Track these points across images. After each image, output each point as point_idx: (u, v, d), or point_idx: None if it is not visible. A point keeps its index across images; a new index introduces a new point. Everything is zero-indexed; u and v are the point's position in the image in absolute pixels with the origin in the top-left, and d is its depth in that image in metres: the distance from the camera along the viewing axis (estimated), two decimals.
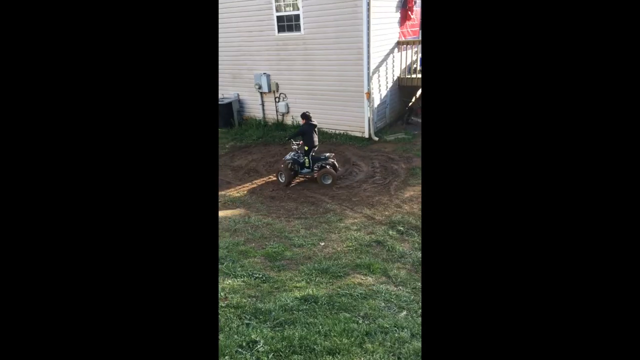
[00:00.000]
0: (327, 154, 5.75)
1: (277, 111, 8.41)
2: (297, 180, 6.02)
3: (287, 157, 5.83)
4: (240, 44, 8.28)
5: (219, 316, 2.42)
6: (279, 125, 8.36)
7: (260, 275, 3.31)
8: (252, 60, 8.29)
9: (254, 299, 2.81)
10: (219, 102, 8.55)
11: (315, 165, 5.67)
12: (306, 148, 5.60)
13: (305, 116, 5.65)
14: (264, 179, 6.33)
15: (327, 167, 5.65)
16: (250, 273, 3.33)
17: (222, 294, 2.81)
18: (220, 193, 5.93)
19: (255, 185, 6.13)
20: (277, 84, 8.17)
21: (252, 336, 2.18)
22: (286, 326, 2.40)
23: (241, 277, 3.22)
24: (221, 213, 5.07)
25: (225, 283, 3.05)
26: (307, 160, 5.63)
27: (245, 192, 5.90)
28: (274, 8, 7.49)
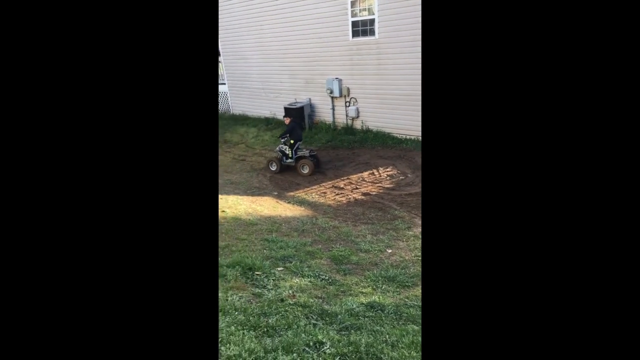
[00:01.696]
0: (308, 149, 6.84)
1: (347, 115, 8.45)
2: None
3: (278, 149, 6.96)
4: (314, 50, 8.50)
5: (287, 313, 2.48)
6: (348, 130, 8.39)
7: (327, 277, 3.33)
8: (324, 65, 8.45)
9: (320, 300, 2.83)
10: (292, 107, 8.85)
11: (296, 157, 6.69)
12: (292, 142, 6.64)
13: (289, 115, 7.10)
14: (332, 182, 6.39)
15: (306, 158, 6.59)
16: (317, 274, 3.36)
17: (290, 291, 2.88)
18: (289, 194, 6.12)
19: (322, 188, 6.21)
20: (348, 89, 8.21)
21: (319, 337, 2.20)
22: (352, 331, 2.38)
23: (308, 277, 3.27)
24: (289, 213, 5.22)
25: (293, 281, 3.13)
26: (290, 152, 6.71)
27: (313, 194, 6.01)
28: (349, 13, 7.56)
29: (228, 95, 11.33)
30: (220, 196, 5.56)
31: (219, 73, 11.62)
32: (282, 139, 6.80)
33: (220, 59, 11.24)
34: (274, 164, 6.94)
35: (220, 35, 10.71)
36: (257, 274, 3.12)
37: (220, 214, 4.73)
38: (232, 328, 2.14)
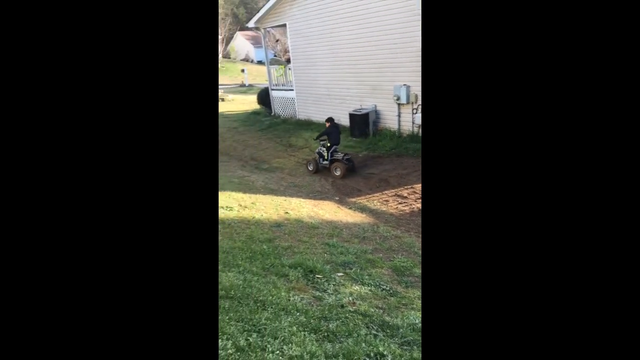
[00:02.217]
0: (344, 153, 7.10)
1: (413, 123, 8.22)
2: None
3: (317, 151, 7.39)
4: (384, 56, 8.43)
5: (347, 320, 2.45)
6: (414, 137, 8.15)
7: (388, 288, 3.23)
8: (393, 72, 8.32)
9: (381, 311, 2.76)
10: (357, 113, 8.85)
11: (331, 159, 7.06)
12: (328, 145, 7.03)
13: (330, 119, 7.27)
14: (394, 190, 6.23)
15: (339, 161, 6.94)
16: (378, 283, 3.28)
17: (350, 298, 2.84)
18: (351, 200, 6.10)
19: (385, 196, 6.09)
20: (416, 95, 7.99)
21: (380, 348, 2.13)
22: (414, 347, 2.27)
23: (368, 286, 3.21)
24: (350, 219, 5.19)
25: (353, 288, 3.09)
26: (327, 154, 7.08)
27: (375, 201, 5.92)
28: (420, 20, 7.37)
29: (295, 101, 11.68)
30: (283, 198, 5.72)
31: (288, 80, 12.04)
32: (320, 141, 7.20)
33: (290, 65, 11.64)
34: (311, 164, 7.47)
35: (293, 42, 11.11)
36: (317, 277, 3.13)
37: (283, 215, 4.86)
38: (294, 328, 2.16)
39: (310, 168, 7.46)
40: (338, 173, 6.95)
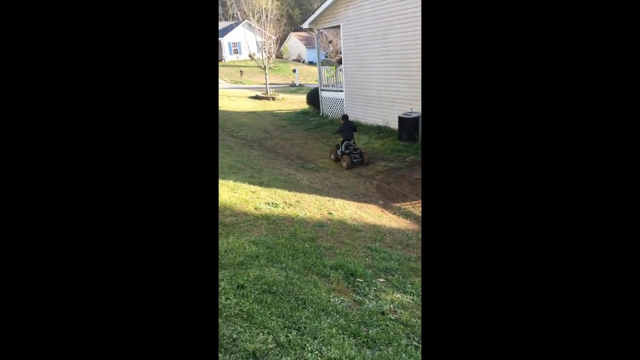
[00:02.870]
0: (357, 148, 8.04)
1: None
2: None
3: (336, 144, 8.38)
4: None
5: (388, 328, 2.39)
6: None
7: None
8: None
9: None
10: (407, 116, 8.65)
11: (343, 152, 7.95)
12: (341, 139, 7.98)
13: (345, 117, 8.35)
14: None
15: (346, 155, 7.82)
16: (420, 293, 3.18)
17: (391, 305, 2.78)
18: (395, 205, 5.97)
19: None
20: None
21: None
22: None
23: (410, 295, 3.12)
24: (394, 224, 5.08)
25: (394, 296, 3.02)
26: (341, 147, 8.02)
27: (420, 207, 5.73)
28: None
29: (344, 102, 11.68)
30: (327, 198, 5.74)
31: (338, 81, 12.07)
32: (340, 136, 8.12)
33: (341, 66, 11.66)
34: (332, 154, 8.41)
35: (345, 44, 11.13)
36: (358, 281, 3.10)
37: (327, 215, 4.87)
38: (333, 330, 2.15)
39: (332, 157, 8.44)
40: (344, 164, 7.86)
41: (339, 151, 8.14)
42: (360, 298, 2.79)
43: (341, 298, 2.68)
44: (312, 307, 2.41)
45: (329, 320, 2.27)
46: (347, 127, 7.99)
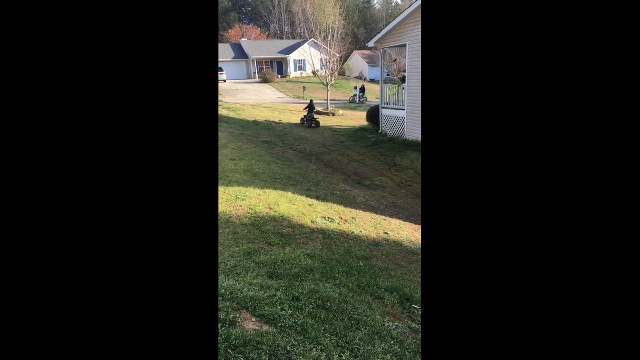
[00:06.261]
0: (315, 119, 14.80)
1: None
2: None
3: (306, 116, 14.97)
4: None
5: None
6: None
7: None
8: None
9: None
10: None
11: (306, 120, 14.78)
12: (306, 113, 14.85)
13: (310, 102, 15.36)
14: None
15: (310, 121, 14.65)
16: None
17: None
18: None
19: None
20: None
21: None
22: None
23: None
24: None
25: None
26: (306, 117, 14.82)
27: None
28: None
29: (405, 120, 11.51)
30: (383, 217, 5.62)
31: (400, 99, 11.95)
32: (307, 111, 14.87)
33: (404, 85, 11.54)
34: (303, 121, 14.86)
35: (410, 62, 11.03)
36: (414, 307, 2.96)
37: (382, 235, 4.77)
38: (388, 357, 2.07)
39: (303, 123, 14.71)
40: (306, 125, 14.53)
41: (305, 118, 14.84)
42: (417, 326, 2.66)
43: (396, 323, 2.57)
44: (365, 328, 2.34)
45: (383, 345, 2.18)
46: (311, 105, 15.00)
